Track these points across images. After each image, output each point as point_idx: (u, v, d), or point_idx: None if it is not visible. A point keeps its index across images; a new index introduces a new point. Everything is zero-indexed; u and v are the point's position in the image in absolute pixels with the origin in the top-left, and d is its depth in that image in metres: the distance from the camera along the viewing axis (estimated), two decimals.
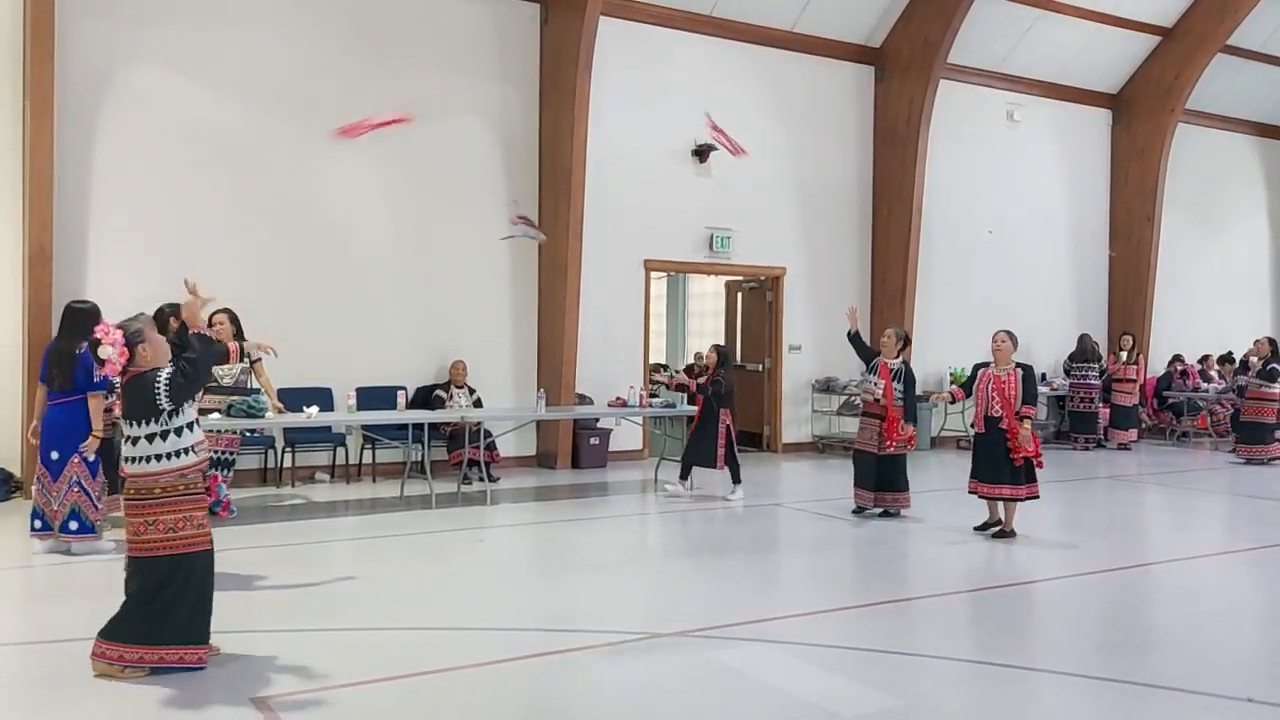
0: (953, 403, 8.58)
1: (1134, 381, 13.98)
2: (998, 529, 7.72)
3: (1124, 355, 13.94)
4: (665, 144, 11.88)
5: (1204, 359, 15.56)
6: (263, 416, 7.89)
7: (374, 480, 9.99)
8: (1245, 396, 12.78)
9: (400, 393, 9.17)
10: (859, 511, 8.48)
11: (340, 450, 9.98)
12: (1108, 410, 14.00)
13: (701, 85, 12.10)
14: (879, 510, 8.45)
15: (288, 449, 9.65)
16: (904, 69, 13.07)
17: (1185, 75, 14.67)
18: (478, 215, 10.89)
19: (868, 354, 8.66)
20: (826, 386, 12.93)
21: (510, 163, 11.06)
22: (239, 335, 8.19)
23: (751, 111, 12.48)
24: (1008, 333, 7.85)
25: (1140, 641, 5.34)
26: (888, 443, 8.31)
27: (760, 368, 13.11)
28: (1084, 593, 6.28)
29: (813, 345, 13.07)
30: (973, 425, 7.93)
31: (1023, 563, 7.09)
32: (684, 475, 9.37)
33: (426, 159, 10.61)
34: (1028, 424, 7.52)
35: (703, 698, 4.37)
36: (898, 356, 8.49)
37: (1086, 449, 13.64)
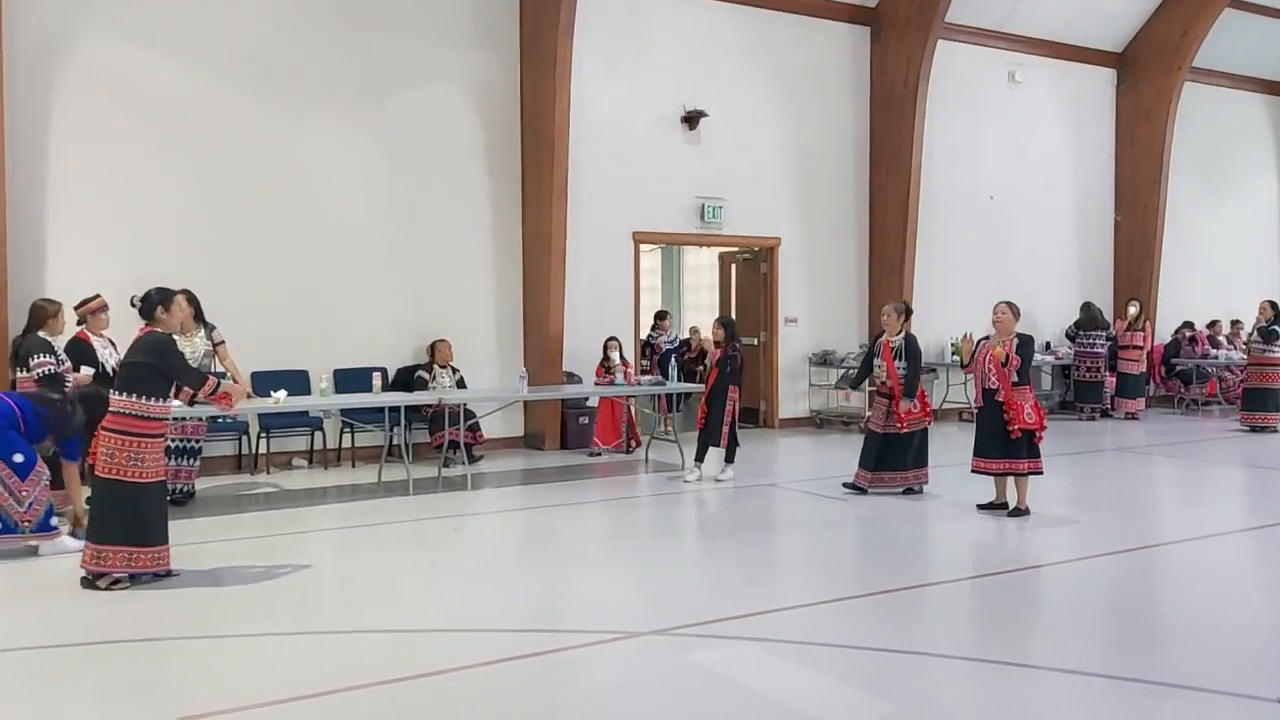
0: (963, 366, 8.13)
1: (1141, 349, 13.58)
2: (1012, 509, 7.34)
3: (1133, 319, 13.53)
4: (653, 111, 11.43)
5: (1213, 324, 15.13)
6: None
7: (353, 465, 9.64)
8: (1249, 363, 12.38)
9: (376, 374, 8.78)
10: (850, 487, 8.18)
11: (318, 435, 9.62)
12: (1114, 379, 13.61)
13: (690, 49, 11.64)
14: (900, 489, 8.10)
15: (262, 434, 9.30)
16: (901, 29, 12.56)
17: (1193, 31, 14.14)
18: (458, 188, 10.47)
19: (869, 358, 8.30)
20: (824, 360, 12.53)
21: (491, 133, 10.62)
22: (199, 318, 7.82)
23: (742, 76, 12.02)
24: (1009, 304, 7.46)
25: (1155, 633, 4.99)
26: (900, 424, 7.97)
27: (756, 341, 12.70)
28: (1093, 577, 5.92)
29: (809, 318, 12.67)
30: (975, 401, 7.56)
31: (1028, 544, 6.73)
32: (699, 457, 8.90)
33: (403, 130, 10.18)
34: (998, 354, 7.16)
35: (675, 705, 4.01)
36: (900, 331, 8.11)
37: (1092, 419, 13.27)
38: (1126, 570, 6.09)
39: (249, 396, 7.96)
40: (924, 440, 8.15)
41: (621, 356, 10.56)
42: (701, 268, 17.66)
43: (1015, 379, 7.20)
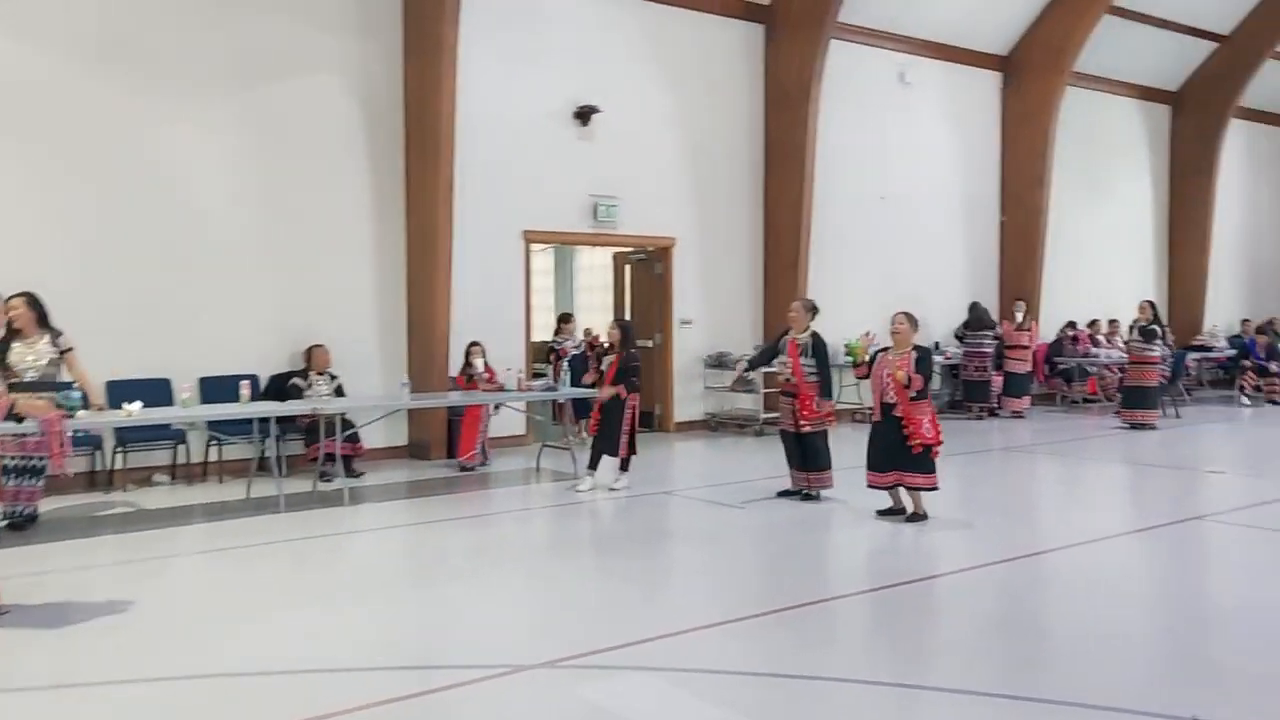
0: (856, 367, 7.93)
1: (1027, 348, 13.81)
2: (910, 514, 7.22)
3: (1019, 319, 13.75)
4: (544, 105, 11.02)
5: (1093, 324, 15.53)
6: (74, 415, 6.81)
7: (220, 480, 8.97)
8: (1129, 361, 12.71)
9: (244, 383, 8.16)
10: (784, 494, 8.02)
11: (182, 448, 8.93)
12: (1001, 378, 13.81)
13: (582, 42, 11.28)
14: (799, 492, 7.93)
15: (119, 449, 8.57)
16: (794, 27, 12.46)
17: (1075, 36, 14.46)
18: (337, 183, 9.89)
19: (772, 349, 8.10)
20: (719, 362, 12.34)
21: (372, 124, 10.06)
22: (44, 322, 7.09)
23: (636, 71, 11.73)
24: (907, 315, 7.34)
25: (1055, 646, 4.86)
26: (802, 421, 7.78)
27: (650, 344, 12.43)
28: (991, 587, 5.80)
29: (704, 319, 12.46)
30: (874, 414, 7.39)
31: (925, 552, 6.59)
32: (592, 465, 8.53)
33: (276, 120, 9.54)
34: (901, 375, 7.02)
35: None
36: (807, 329, 7.93)
37: (980, 418, 13.43)
38: (1023, 578, 6.00)
39: (100, 409, 7.30)
40: (824, 441, 7.99)
41: (486, 363, 9.85)
42: (596, 268, 17.33)
43: (914, 395, 7.08)
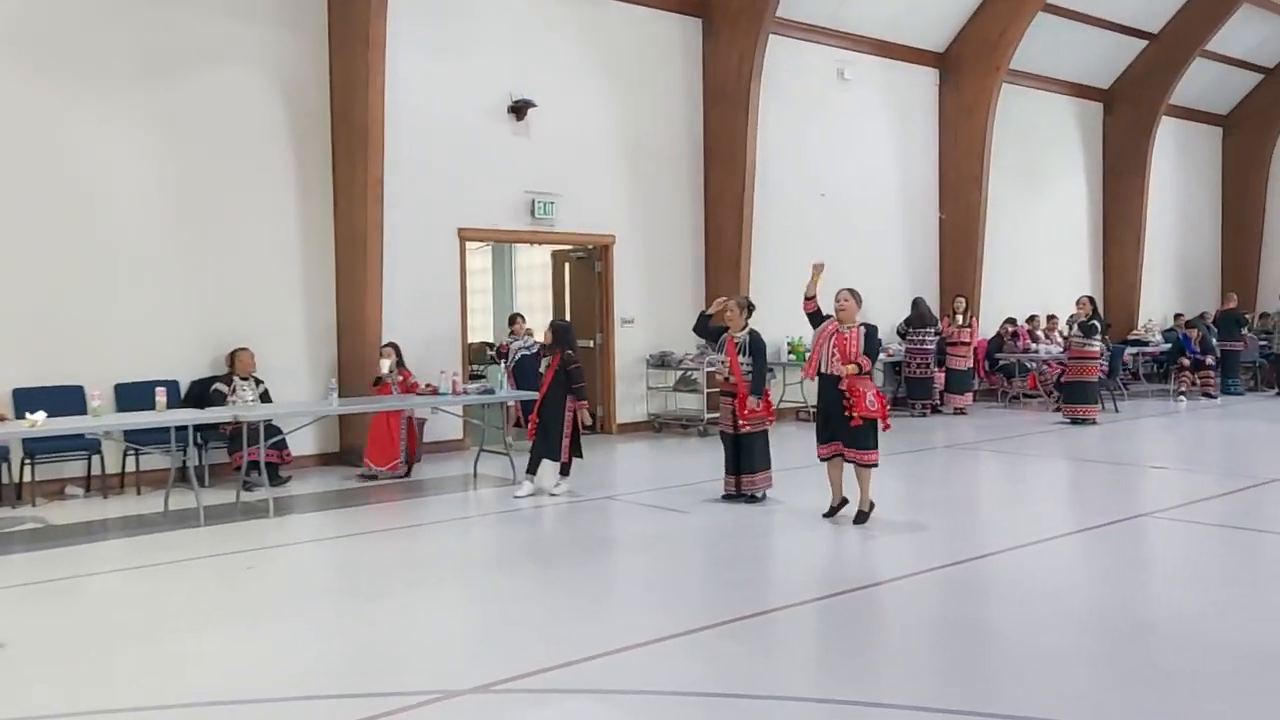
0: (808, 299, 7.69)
1: (968, 345, 13.82)
2: (857, 513, 7.07)
3: (959, 318, 13.76)
4: (478, 99, 10.70)
5: (1031, 319, 15.63)
6: None
7: (138, 492, 8.52)
8: (1068, 356, 12.76)
9: (160, 390, 7.72)
10: (728, 497, 7.83)
11: (96, 459, 8.45)
12: (943, 374, 13.81)
13: (518, 35, 10.98)
14: (744, 495, 7.75)
15: (27, 460, 8.07)
16: (733, 21, 12.28)
17: (1010, 32, 14.52)
18: (261, 180, 9.47)
19: (715, 336, 7.92)
20: (661, 361, 12.13)
21: (297, 118, 9.66)
22: None
23: (573, 65, 11.46)
24: (850, 291, 7.22)
25: (1004, 656, 4.70)
26: (741, 422, 7.61)
27: (591, 344, 12.18)
28: (937, 592, 5.63)
29: (646, 318, 12.23)
30: (806, 373, 7.24)
31: (871, 557, 6.44)
32: (531, 469, 8.25)
33: (195, 115, 9.10)
34: (852, 367, 6.86)
35: None
36: (744, 327, 7.76)
37: (924, 415, 13.40)
38: (970, 583, 5.85)
39: (3, 419, 6.85)
40: (764, 442, 7.83)
41: (401, 364, 9.27)
42: (535, 267, 17.02)
43: (854, 369, 6.92)
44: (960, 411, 13.57)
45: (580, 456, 8.29)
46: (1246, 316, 16.46)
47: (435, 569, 6.30)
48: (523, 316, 11.59)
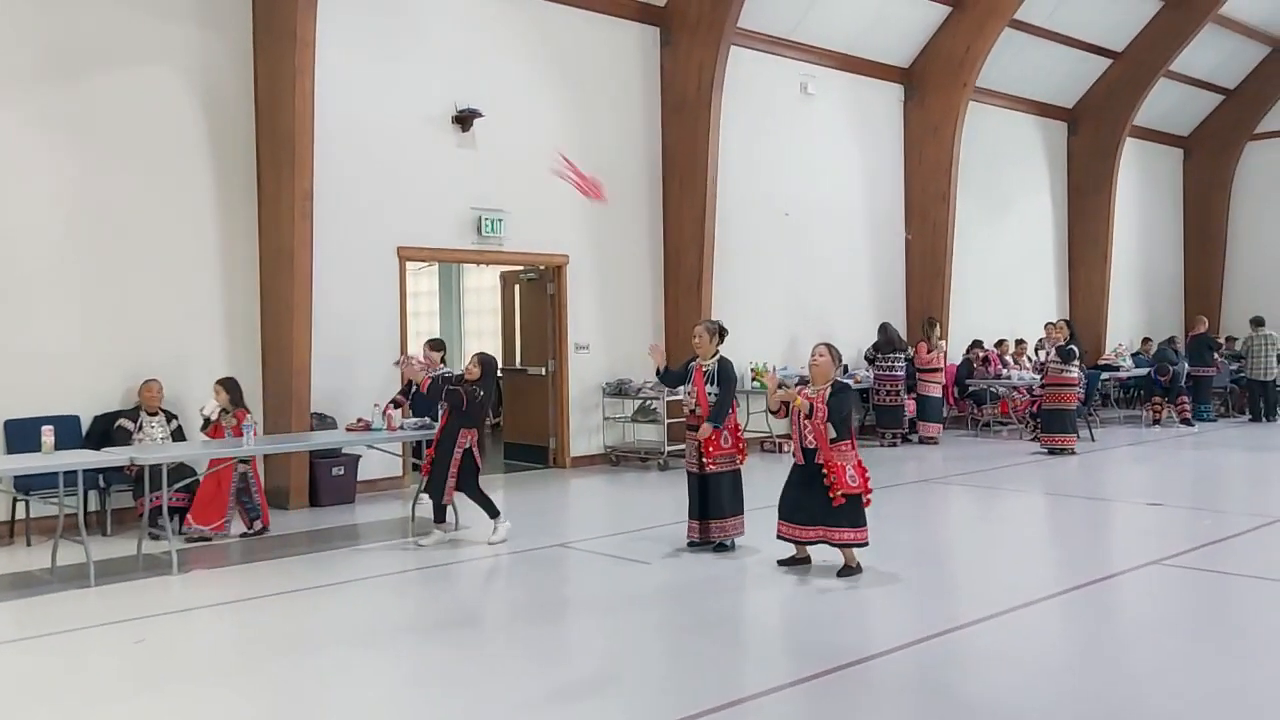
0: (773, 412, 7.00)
1: (940, 370, 13.21)
2: (842, 567, 6.31)
3: (941, 343, 13.21)
4: (419, 108, 9.90)
5: (1000, 343, 15.09)
6: None
7: (28, 544, 7.53)
8: (1044, 383, 12.18)
9: (47, 428, 6.76)
10: (692, 546, 7.03)
11: None
12: (913, 402, 13.20)
13: (462, 39, 10.21)
14: (711, 543, 6.97)
15: None
16: (692, 30, 11.63)
17: (976, 48, 14.04)
18: (176, 193, 8.59)
19: (682, 372, 7.16)
20: (619, 390, 11.34)
21: (217, 125, 8.79)
22: None
23: (522, 74, 10.71)
24: (828, 346, 6.43)
25: None
26: (706, 460, 6.82)
27: (543, 371, 11.37)
28: (931, 668, 4.82)
29: (601, 344, 11.45)
30: (795, 456, 6.47)
31: (854, 621, 5.61)
32: (438, 518, 7.42)
33: (102, 120, 8.21)
34: (801, 402, 6.16)
35: None
36: (714, 355, 7.02)
37: (894, 444, 12.75)
38: (970, 655, 5.02)
39: None
40: (736, 482, 7.05)
41: (238, 402, 7.85)
42: (484, 290, 16.18)
43: (833, 434, 6.18)
44: (930, 440, 12.93)
45: (483, 497, 7.34)
46: (1217, 341, 16.07)
47: (349, 640, 5.30)
48: (443, 344, 9.28)
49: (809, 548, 6.43)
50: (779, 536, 6.43)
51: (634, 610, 5.82)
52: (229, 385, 7.90)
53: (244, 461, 7.68)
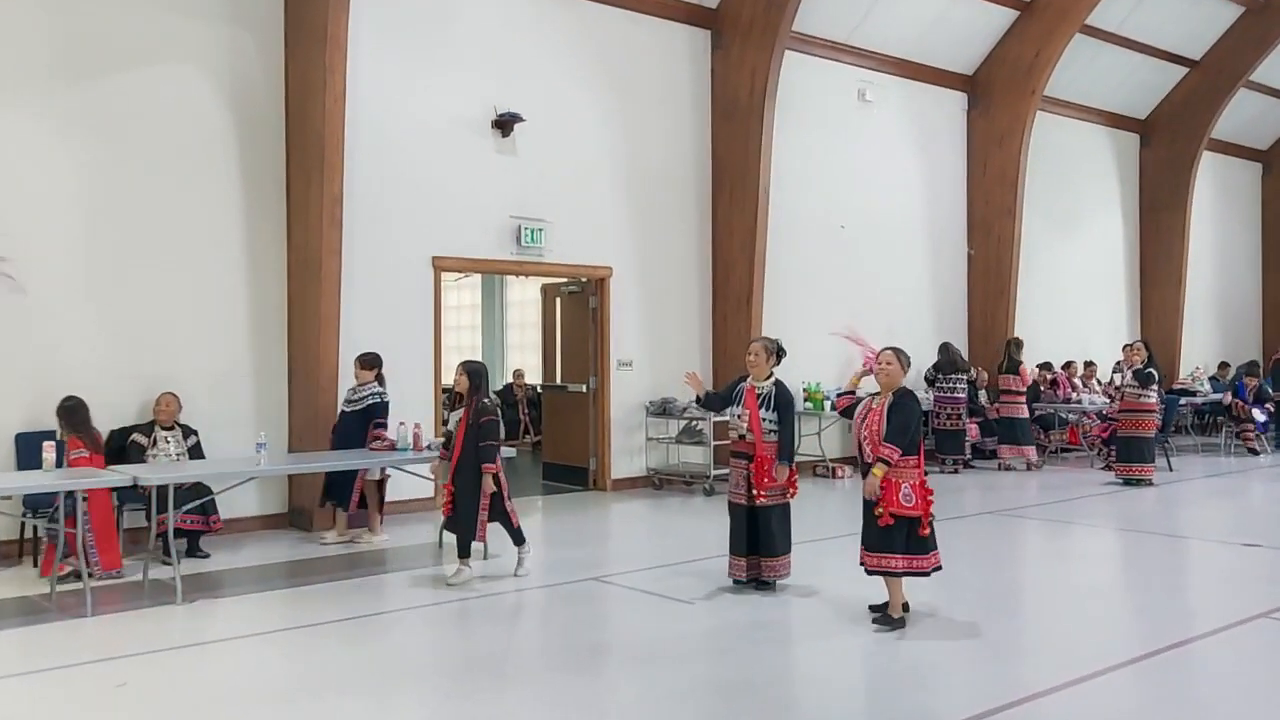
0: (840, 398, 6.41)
1: (1021, 392, 12.46)
2: (878, 614, 5.68)
3: (1032, 367, 12.65)
4: (456, 110, 9.46)
5: (1067, 365, 14.27)
6: None
7: (35, 564, 7.13)
8: (1121, 408, 11.36)
9: (48, 444, 6.37)
10: (737, 584, 6.42)
11: None
12: (975, 426, 12.45)
13: (502, 40, 9.76)
14: (753, 580, 6.37)
15: None
16: (744, 34, 11.07)
17: (1045, 54, 13.31)
18: (201, 198, 8.22)
19: (728, 394, 6.55)
20: (663, 410, 10.76)
21: (245, 128, 8.41)
22: None
23: (565, 75, 10.23)
24: (895, 351, 5.83)
25: None
26: (757, 492, 6.21)
27: (584, 388, 10.84)
28: None
29: (645, 361, 10.88)
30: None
31: (924, 680, 4.97)
32: (463, 553, 6.78)
33: (127, 122, 7.87)
34: (880, 468, 5.50)
35: None
36: (769, 376, 6.40)
37: (955, 471, 12.00)
38: None
39: None
40: (786, 516, 6.42)
41: (80, 426, 6.81)
42: (528, 303, 15.75)
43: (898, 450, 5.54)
44: (1034, 466, 12.24)
45: (516, 527, 6.80)
46: None
47: (358, 688, 4.81)
48: (376, 360, 8.05)
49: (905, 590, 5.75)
50: (862, 565, 5.75)
51: (673, 661, 5.20)
52: (69, 410, 6.85)
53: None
